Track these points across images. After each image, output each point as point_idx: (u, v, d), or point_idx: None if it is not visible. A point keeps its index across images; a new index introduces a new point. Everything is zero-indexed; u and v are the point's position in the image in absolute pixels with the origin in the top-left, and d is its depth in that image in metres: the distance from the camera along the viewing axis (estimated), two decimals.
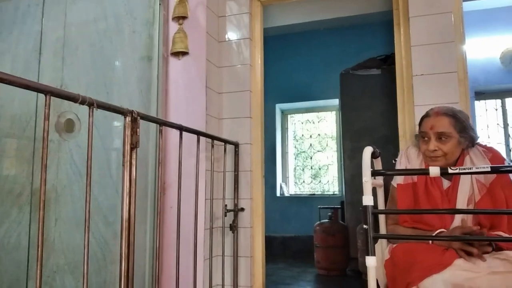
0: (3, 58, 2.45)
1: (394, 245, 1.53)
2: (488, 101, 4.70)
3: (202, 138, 2.05)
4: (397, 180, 1.73)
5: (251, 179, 2.42)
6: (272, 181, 5.62)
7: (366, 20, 4.80)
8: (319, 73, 5.54)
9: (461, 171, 1.29)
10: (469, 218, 1.56)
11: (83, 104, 1.22)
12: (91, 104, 1.24)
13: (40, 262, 1.08)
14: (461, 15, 2.14)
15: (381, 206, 1.80)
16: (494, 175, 1.57)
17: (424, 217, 1.60)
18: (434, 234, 1.48)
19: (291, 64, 5.74)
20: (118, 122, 2.15)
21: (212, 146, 2.13)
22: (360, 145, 1.54)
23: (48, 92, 1.13)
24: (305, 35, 5.55)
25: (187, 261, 1.96)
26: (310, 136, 6.11)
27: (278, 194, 5.74)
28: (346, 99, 4.26)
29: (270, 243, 5.12)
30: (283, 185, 5.86)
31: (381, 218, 1.73)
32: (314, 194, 5.82)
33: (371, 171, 1.38)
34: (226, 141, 2.30)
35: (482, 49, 4.41)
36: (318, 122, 6.11)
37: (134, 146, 1.41)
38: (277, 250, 5.28)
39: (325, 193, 5.82)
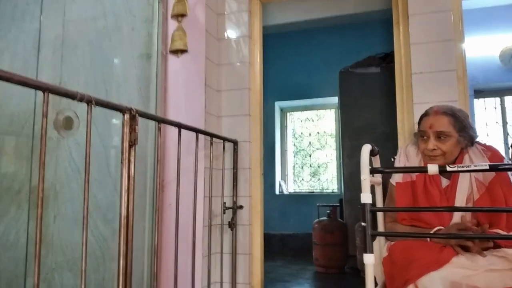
0: (2, 55, 2.44)
1: (392, 243, 1.53)
2: (487, 99, 4.71)
3: (201, 136, 2.05)
4: (396, 178, 1.73)
5: (250, 176, 2.42)
6: (271, 179, 5.63)
7: (365, 18, 4.80)
8: (319, 71, 5.53)
9: (459, 168, 1.30)
10: (467, 216, 1.57)
11: (81, 101, 1.22)
12: (90, 101, 1.24)
13: (38, 259, 1.08)
14: (460, 13, 2.14)
15: (379, 204, 1.80)
16: (493, 174, 1.57)
17: (422, 215, 1.60)
18: (432, 232, 1.49)
19: (291, 62, 5.74)
20: (117, 119, 2.15)
21: (211, 143, 2.13)
22: (359, 143, 1.54)
23: (46, 89, 1.12)
24: (304, 33, 5.54)
25: (186, 258, 1.96)
26: (309, 134, 6.12)
27: (277, 192, 5.75)
28: (345, 97, 4.26)
29: (269, 240, 5.13)
30: (282, 183, 5.86)
31: (379, 216, 1.73)
32: (313, 192, 5.83)
33: (370, 168, 1.38)
34: (225, 139, 2.30)
35: (481, 48, 4.41)
36: (318, 120, 6.11)
37: (132, 143, 1.41)
38: (276, 247, 5.29)
39: (324, 191, 5.83)
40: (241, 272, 2.36)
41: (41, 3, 2.39)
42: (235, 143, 2.39)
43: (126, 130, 1.41)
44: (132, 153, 1.42)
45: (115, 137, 2.16)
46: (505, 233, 1.47)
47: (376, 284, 1.49)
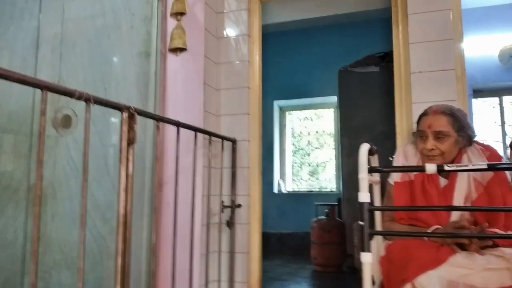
0: (1, 54, 2.44)
1: (390, 242, 1.53)
2: (486, 99, 4.71)
3: (199, 135, 2.05)
4: (394, 178, 1.74)
5: (248, 175, 2.42)
6: (269, 178, 5.63)
7: (364, 17, 4.80)
8: (318, 70, 5.53)
9: (457, 168, 1.30)
10: (465, 216, 1.57)
11: (79, 99, 1.22)
12: (88, 99, 1.24)
13: (36, 258, 1.08)
14: (459, 12, 2.14)
15: (377, 203, 1.80)
16: (491, 174, 1.57)
17: (420, 215, 1.61)
18: (429, 231, 1.49)
19: (290, 61, 5.73)
20: (115, 118, 2.15)
21: (210, 142, 2.13)
22: (358, 142, 1.54)
23: (45, 87, 1.12)
24: (303, 32, 5.54)
25: (184, 257, 1.96)
26: (308, 133, 6.12)
27: (275, 191, 5.75)
28: (344, 96, 4.27)
29: (267, 239, 5.13)
30: (281, 182, 5.86)
31: (377, 215, 1.74)
32: (311, 191, 5.83)
33: (368, 167, 1.38)
34: (223, 138, 2.30)
35: (480, 47, 4.41)
36: (317, 119, 6.11)
37: (131, 142, 1.41)
38: (274, 246, 5.29)
39: (323, 190, 5.84)
40: (239, 270, 2.36)
41: (40, 1, 2.38)
42: (233, 142, 2.39)
43: (125, 128, 1.41)
44: (131, 151, 1.42)
45: (113, 136, 2.16)
46: (502, 232, 1.47)
47: (373, 283, 1.50)
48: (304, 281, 3.68)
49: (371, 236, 1.34)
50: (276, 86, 5.63)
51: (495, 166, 1.38)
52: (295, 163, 6.15)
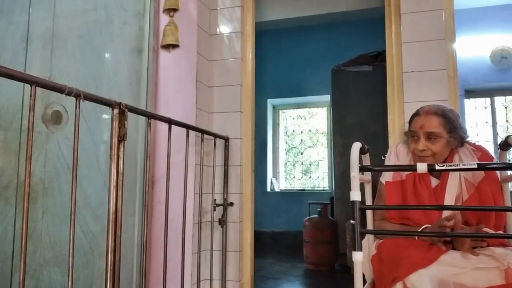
0: None
1: (381, 241, 1.54)
2: (477, 99, 4.75)
3: (191, 132, 2.04)
4: (386, 177, 1.74)
5: (241, 173, 2.42)
6: (262, 176, 5.64)
7: (358, 16, 4.81)
8: (311, 69, 5.54)
9: (448, 167, 1.30)
10: (458, 217, 1.57)
11: (69, 95, 1.20)
12: (78, 95, 1.23)
13: (24, 255, 1.06)
14: (452, 13, 2.15)
15: (368, 202, 1.81)
16: (482, 175, 1.58)
17: (412, 214, 1.61)
18: (419, 230, 1.49)
19: (283, 60, 5.73)
20: (107, 114, 2.12)
21: (202, 140, 2.12)
22: (350, 141, 1.54)
23: (34, 82, 1.11)
24: (297, 31, 5.54)
25: (176, 255, 1.95)
26: (301, 132, 6.13)
27: (268, 189, 5.75)
28: (337, 95, 4.27)
29: (260, 238, 5.14)
30: (274, 180, 5.87)
31: (369, 214, 1.74)
32: (304, 190, 5.84)
33: (359, 166, 1.38)
34: (216, 135, 2.29)
35: (472, 48, 4.45)
36: (310, 118, 6.12)
37: (121, 138, 1.40)
38: (267, 245, 5.30)
39: (316, 189, 5.85)
40: (231, 269, 2.36)
41: None
42: (226, 139, 2.38)
43: (115, 125, 1.39)
44: (121, 148, 1.41)
45: (105, 133, 2.14)
46: (492, 232, 1.48)
47: (364, 281, 1.50)
48: (297, 279, 3.69)
49: (362, 235, 1.34)
50: (270, 84, 5.63)
51: (485, 166, 1.39)
52: (288, 161, 6.16)
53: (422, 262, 1.31)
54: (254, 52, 2.58)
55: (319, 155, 5.97)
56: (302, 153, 6.08)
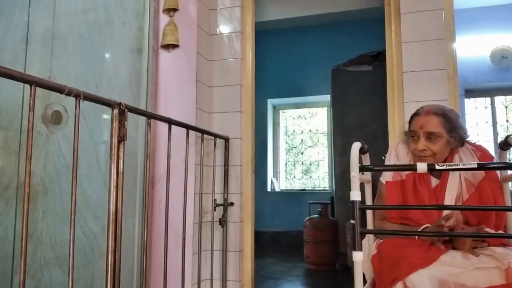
0: None
1: (381, 241, 1.54)
2: (477, 99, 4.75)
3: (191, 132, 2.04)
4: (386, 177, 1.74)
5: (241, 173, 2.42)
6: (263, 176, 5.63)
7: (358, 16, 4.81)
8: (311, 69, 5.54)
9: (448, 167, 1.30)
10: (459, 217, 1.57)
11: (69, 95, 1.20)
12: (78, 95, 1.23)
13: (24, 256, 1.06)
14: (452, 12, 2.15)
15: (368, 202, 1.81)
16: (482, 174, 1.58)
17: (412, 214, 1.61)
18: (419, 230, 1.49)
19: (283, 60, 5.73)
20: (107, 115, 2.12)
21: (202, 140, 2.12)
22: (350, 141, 1.54)
23: (33, 82, 1.11)
24: (297, 31, 5.54)
25: (176, 255, 1.95)
26: (302, 132, 6.13)
27: (269, 189, 5.75)
28: (337, 95, 4.27)
29: (260, 238, 5.14)
30: (274, 180, 5.87)
31: (369, 213, 1.74)
32: (304, 190, 5.84)
33: (359, 166, 1.38)
34: (216, 135, 2.29)
35: (472, 48, 4.44)
36: (310, 118, 6.12)
37: (121, 139, 1.40)
38: (267, 245, 5.30)
39: (316, 188, 5.85)
40: (232, 269, 2.36)
41: None
42: (226, 139, 2.38)
43: (115, 125, 1.39)
44: (121, 148, 1.41)
45: (105, 133, 2.14)
46: (493, 231, 1.48)
47: (365, 281, 1.50)
48: (297, 279, 3.68)
49: (362, 235, 1.34)
50: (270, 84, 5.63)
51: (485, 166, 1.39)
52: (289, 161, 6.16)
53: (422, 262, 1.31)
54: (254, 52, 2.58)
55: (320, 155, 5.97)
56: (302, 153, 6.08)
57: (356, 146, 1.46)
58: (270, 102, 5.99)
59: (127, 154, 1.47)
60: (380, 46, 3.64)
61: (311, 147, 6.05)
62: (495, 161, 1.70)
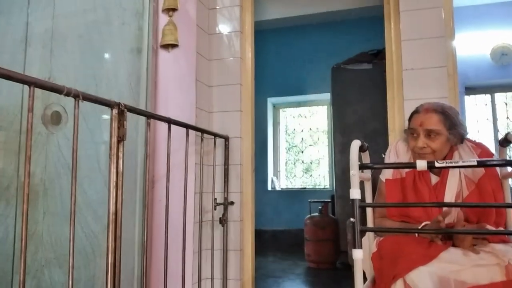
0: None
1: (381, 238, 1.54)
2: (478, 96, 4.74)
3: (191, 132, 2.04)
4: (386, 175, 1.74)
5: (241, 172, 2.42)
6: (263, 175, 5.64)
7: (358, 14, 4.80)
8: (311, 67, 5.54)
9: (447, 164, 1.30)
10: (460, 214, 1.57)
11: (68, 95, 1.20)
12: (77, 96, 1.23)
13: (24, 256, 1.06)
14: (451, 10, 2.15)
15: (368, 200, 1.81)
16: (482, 171, 1.58)
17: (411, 212, 1.61)
18: (419, 227, 1.49)
19: (283, 58, 5.73)
20: (107, 115, 2.12)
21: (202, 139, 2.12)
22: (350, 139, 1.54)
23: (32, 83, 1.11)
24: (297, 29, 5.54)
25: (176, 254, 1.95)
26: (302, 131, 6.13)
27: (269, 188, 5.75)
28: (337, 93, 4.27)
29: (261, 236, 5.14)
30: (275, 179, 5.87)
31: (369, 211, 1.74)
32: (305, 188, 5.84)
33: (359, 164, 1.38)
34: (216, 135, 2.29)
35: (472, 45, 4.44)
36: (310, 116, 6.12)
37: (121, 138, 1.40)
38: (268, 243, 5.30)
39: (317, 187, 5.85)
40: (232, 268, 2.36)
41: None
42: (226, 139, 2.38)
43: (115, 125, 1.40)
44: (121, 148, 1.41)
45: (105, 133, 2.14)
46: (492, 228, 1.48)
47: (365, 279, 1.50)
48: (298, 277, 3.69)
49: (362, 232, 1.34)
50: (270, 83, 5.62)
51: (484, 163, 1.39)
52: (289, 160, 6.16)
53: (423, 259, 1.31)
54: (254, 51, 2.58)
55: (320, 154, 5.97)
56: (302, 152, 6.08)
57: (355, 144, 1.46)
58: (270, 101, 5.99)
59: (127, 154, 1.47)
60: (380, 44, 3.64)
61: (312, 145, 6.05)
62: (495, 158, 1.70)
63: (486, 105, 4.74)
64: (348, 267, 3.76)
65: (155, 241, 2.17)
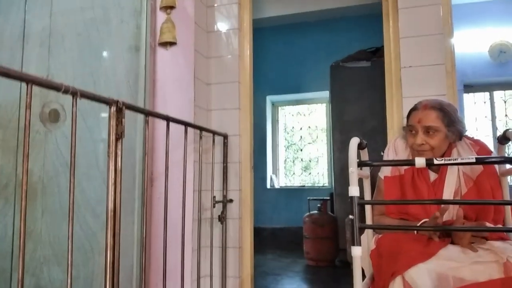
0: None
1: (380, 236, 1.54)
2: (476, 94, 4.74)
3: (190, 129, 2.03)
4: (384, 172, 1.74)
5: (240, 170, 2.42)
6: (262, 173, 5.64)
7: (356, 12, 4.80)
8: (310, 65, 5.53)
9: (446, 161, 1.30)
10: (460, 212, 1.57)
11: (66, 93, 1.20)
12: (75, 93, 1.22)
13: (23, 254, 1.06)
14: (450, 7, 2.15)
15: (367, 197, 1.81)
16: (481, 169, 1.58)
17: (410, 209, 1.61)
18: (418, 224, 1.50)
19: (282, 56, 5.72)
20: (106, 113, 2.12)
21: (200, 137, 2.12)
22: (349, 137, 1.54)
23: (30, 81, 1.10)
24: (295, 27, 5.53)
25: (175, 252, 1.95)
26: (301, 128, 6.13)
27: (268, 186, 5.76)
28: (336, 91, 4.27)
29: (260, 234, 5.15)
30: (274, 177, 5.87)
31: (368, 209, 1.74)
32: (304, 186, 5.85)
33: (357, 161, 1.38)
34: (214, 132, 2.29)
35: (471, 43, 4.44)
36: (309, 114, 6.12)
37: (119, 136, 1.40)
38: (267, 241, 5.31)
39: (316, 185, 5.85)
40: (231, 265, 2.36)
41: None
42: (225, 136, 2.38)
43: (113, 122, 1.39)
44: (119, 146, 1.41)
45: (104, 131, 2.14)
46: (491, 225, 1.49)
47: (364, 276, 1.50)
48: (297, 275, 3.69)
49: (361, 230, 1.35)
50: (268, 81, 5.62)
51: (483, 160, 1.39)
52: (288, 158, 6.16)
53: (421, 256, 1.31)
54: (252, 49, 2.58)
55: (319, 151, 5.97)
56: (301, 150, 6.08)
57: (354, 141, 1.46)
58: (269, 98, 5.99)
59: (126, 151, 1.47)
60: (378, 42, 3.63)
61: (310, 143, 6.05)
62: (494, 156, 1.70)
63: (484, 103, 4.74)
64: (347, 265, 3.77)
65: (154, 239, 2.17)
